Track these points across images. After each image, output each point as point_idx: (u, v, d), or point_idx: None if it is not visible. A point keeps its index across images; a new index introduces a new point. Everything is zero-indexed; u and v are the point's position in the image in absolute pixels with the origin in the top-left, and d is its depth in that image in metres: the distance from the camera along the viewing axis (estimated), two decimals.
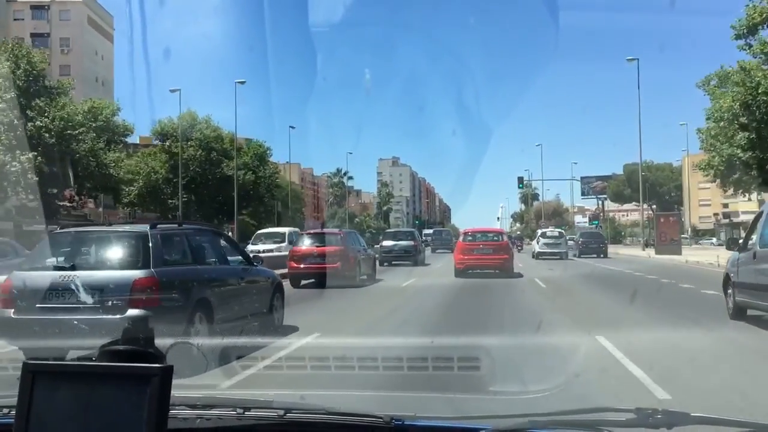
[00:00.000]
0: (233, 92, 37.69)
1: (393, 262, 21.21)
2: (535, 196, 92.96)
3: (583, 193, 77.57)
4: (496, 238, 17.37)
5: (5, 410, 1.46)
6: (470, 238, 17.17)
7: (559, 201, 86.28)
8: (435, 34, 77.98)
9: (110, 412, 1.00)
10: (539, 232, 32.79)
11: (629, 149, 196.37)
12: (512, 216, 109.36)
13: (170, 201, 38.16)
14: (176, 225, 7.40)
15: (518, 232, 76.94)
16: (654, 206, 73.72)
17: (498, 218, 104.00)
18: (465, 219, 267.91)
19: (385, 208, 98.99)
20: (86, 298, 5.37)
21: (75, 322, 5.23)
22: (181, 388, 1.39)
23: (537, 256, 27.89)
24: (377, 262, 17.16)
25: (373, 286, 13.52)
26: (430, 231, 35.16)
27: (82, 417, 1.00)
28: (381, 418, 1.47)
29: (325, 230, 18.00)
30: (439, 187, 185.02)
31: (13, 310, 5.61)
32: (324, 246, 13.90)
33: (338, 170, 79.98)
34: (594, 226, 65.31)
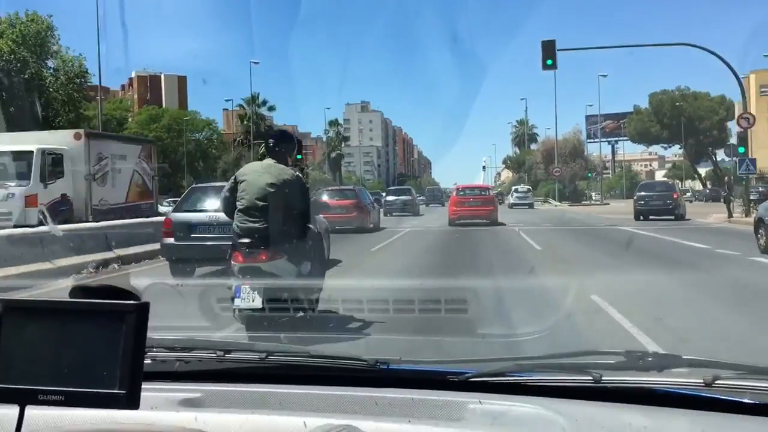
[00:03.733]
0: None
1: (394, 214, 29.15)
2: (533, 138, 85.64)
3: (588, 137, 69.22)
4: (483, 193, 23.56)
5: None
6: (462, 193, 23.09)
7: (579, 137, 66.15)
8: None
9: (83, 349, 1.05)
10: (513, 188, 51.68)
11: (654, 76, 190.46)
12: (504, 161, 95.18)
13: None
14: None
15: (499, 189, 64.05)
16: (686, 148, 64.62)
17: (484, 167, 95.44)
18: (446, 173, 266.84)
19: (334, 154, 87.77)
20: (225, 231, 8.03)
21: (219, 246, 7.89)
22: (159, 330, 1.48)
23: (511, 206, 42.01)
24: (381, 213, 24.65)
25: (380, 232, 18.95)
26: (393, 189, 38.16)
27: (53, 354, 1.05)
28: (365, 361, 1.58)
29: (343, 187, 27.91)
30: (418, 139, 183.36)
31: (173, 239, 9.66)
32: (342, 200, 19.68)
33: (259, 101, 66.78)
34: (589, 178, 61.56)
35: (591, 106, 73.05)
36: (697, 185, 76.87)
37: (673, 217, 22.62)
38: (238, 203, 5.05)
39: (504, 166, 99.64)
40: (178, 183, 50.64)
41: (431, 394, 1.44)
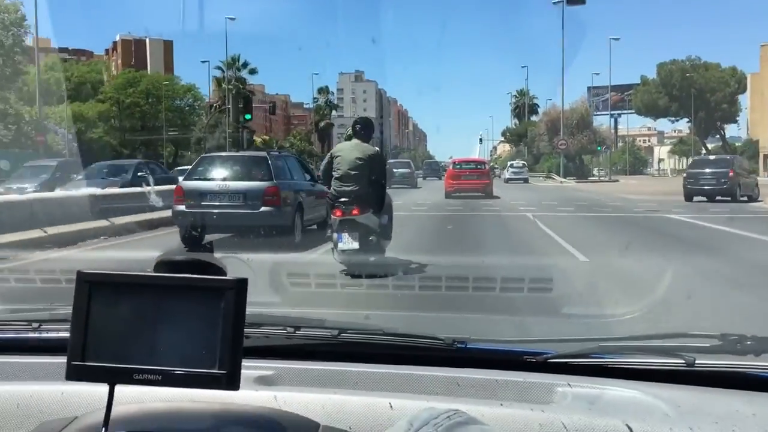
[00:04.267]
0: None
1: (393, 186, 32.78)
2: (534, 109, 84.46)
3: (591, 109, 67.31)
4: (479, 167, 25.48)
5: (58, 324, 1.57)
6: (458, 166, 24.96)
7: (587, 106, 63.39)
8: None
9: (179, 327, 1.05)
10: (509, 163, 56.30)
11: (664, 46, 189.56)
12: (503, 133, 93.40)
13: None
14: (278, 151, 14.62)
15: (492, 164, 59.10)
16: (695, 122, 63.01)
17: (480, 140, 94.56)
18: (442, 146, 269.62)
19: (323, 123, 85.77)
20: (235, 199, 10.28)
21: (229, 214, 10.24)
22: None
23: (506, 180, 44.74)
24: None
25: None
26: (393, 162, 38.94)
27: (147, 332, 1.05)
28: (442, 339, 1.58)
29: None
30: (413, 111, 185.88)
31: (184, 206, 10.50)
32: None
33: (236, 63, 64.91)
34: (599, 150, 59.50)
35: (598, 74, 72.56)
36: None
37: (729, 198, 20.25)
38: (334, 173, 7.28)
39: (502, 138, 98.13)
40: (158, 152, 50.29)
41: (513, 375, 1.45)
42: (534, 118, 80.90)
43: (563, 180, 49.05)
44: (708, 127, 67.17)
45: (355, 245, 6.83)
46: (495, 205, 19.24)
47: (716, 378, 1.44)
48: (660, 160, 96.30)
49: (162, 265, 1.12)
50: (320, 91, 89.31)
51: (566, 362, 1.51)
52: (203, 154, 15.11)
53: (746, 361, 1.47)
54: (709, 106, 62.68)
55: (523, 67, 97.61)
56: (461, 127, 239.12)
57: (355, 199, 7.05)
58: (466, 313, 4.38)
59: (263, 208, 10.20)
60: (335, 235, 7.03)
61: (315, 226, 11.71)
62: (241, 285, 1.05)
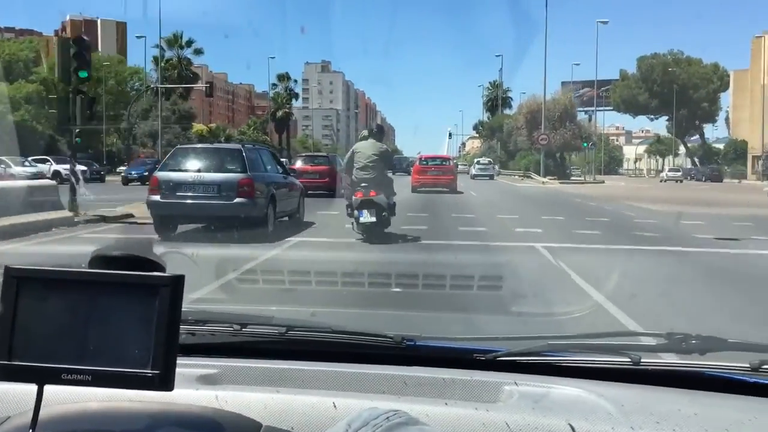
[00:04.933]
0: None
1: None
2: (507, 102, 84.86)
3: None
4: (444, 163, 28.31)
5: None
6: (424, 162, 27.92)
7: (571, 97, 59.96)
8: None
9: (112, 325, 1.05)
10: (475, 160, 60.45)
11: (643, 39, 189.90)
12: (475, 127, 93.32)
13: None
14: (252, 144, 15.57)
15: (457, 161, 60.52)
16: (676, 119, 61.91)
17: (450, 134, 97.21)
18: (410, 141, 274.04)
19: (280, 113, 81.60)
20: (209, 191, 11.19)
21: (204, 203, 11.16)
22: None
23: (473, 177, 49.00)
24: None
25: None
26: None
27: (78, 330, 1.05)
28: (390, 337, 1.64)
29: (317, 153, 33.16)
30: (382, 104, 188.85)
31: (159, 196, 11.27)
32: (317, 166, 24.21)
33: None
34: None
35: (578, 65, 72.65)
36: (680, 162, 74.19)
37: None
38: (355, 164, 10.42)
39: (474, 133, 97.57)
40: (99, 139, 49.34)
41: (461, 373, 1.50)
42: (508, 110, 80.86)
43: (544, 180, 47.12)
44: (688, 126, 66.54)
45: (373, 219, 10.07)
46: (477, 223, 14.10)
47: (661, 377, 1.52)
48: (636, 160, 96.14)
49: (97, 260, 1.14)
50: (280, 78, 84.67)
51: (515, 360, 1.59)
52: (178, 146, 16.57)
53: (691, 360, 1.57)
54: (691, 104, 62.25)
55: (497, 56, 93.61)
56: (431, 121, 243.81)
57: (372, 184, 10.30)
58: (416, 311, 4.47)
59: (237, 199, 11.10)
60: (356, 212, 10.21)
61: (287, 218, 12.88)
62: (178, 282, 1.07)
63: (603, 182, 48.80)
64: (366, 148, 10.73)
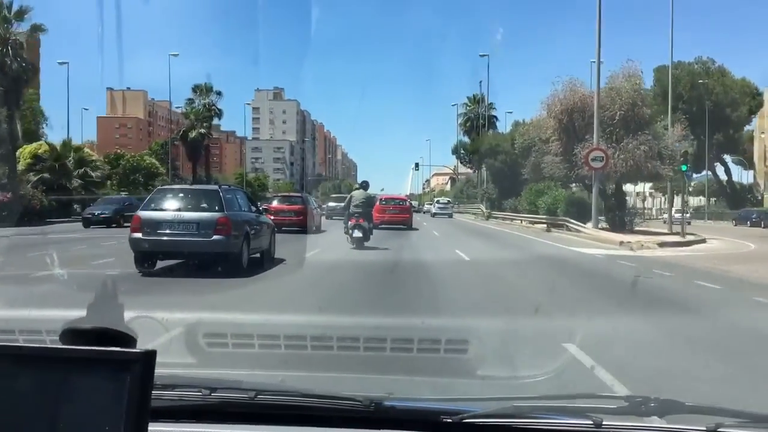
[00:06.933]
0: None
1: (334, 217, 39.58)
2: (492, 121, 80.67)
3: None
4: (401, 203, 38.74)
5: None
6: (384, 202, 36.20)
7: (640, 84, 37.83)
8: None
9: (85, 403, 1.14)
10: (435, 199, 72.80)
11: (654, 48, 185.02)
12: (455, 151, 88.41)
13: None
14: (228, 185, 20.30)
15: (416, 202, 75.53)
16: (706, 145, 54.78)
17: (416, 165, 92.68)
18: (373, 176, 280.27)
19: (194, 134, 75.12)
20: (188, 228, 14.21)
21: (183, 240, 14.14)
22: None
23: (433, 215, 60.28)
24: (322, 218, 36.88)
25: (322, 234, 30.40)
26: (335, 196, 52.49)
27: (48, 409, 1.14)
28: (359, 400, 1.88)
29: (293, 194, 40.50)
30: (343, 139, 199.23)
31: (141, 233, 14.11)
32: (292, 205, 31.34)
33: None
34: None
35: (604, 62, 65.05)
36: (693, 201, 69.93)
37: None
38: (351, 203, 21.79)
39: (454, 159, 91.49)
40: None
41: None
42: (494, 130, 76.14)
43: (599, 233, 31.28)
44: (720, 152, 61.04)
45: (360, 235, 20.82)
46: None
47: None
48: (644, 198, 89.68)
49: (68, 333, 1.25)
50: (196, 90, 76.10)
51: (481, 422, 1.84)
52: (159, 186, 21.43)
53: (650, 423, 1.84)
54: (727, 125, 57.45)
55: (482, 56, 77.28)
56: (395, 153, 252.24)
57: (361, 216, 21.19)
58: (384, 374, 5.16)
59: (215, 237, 14.07)
60: (351, 231, 21.13)
61: (258, 255, 15.92)
62: (149, 358, 1.17)
63: (703, 240, 30.87)
64: (359, 194, 22.42)
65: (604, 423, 1.84)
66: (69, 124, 60.19)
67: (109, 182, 59.91)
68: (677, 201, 46.56)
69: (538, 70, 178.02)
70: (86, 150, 57.38)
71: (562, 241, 30.05)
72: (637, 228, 36.24)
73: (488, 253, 23.39)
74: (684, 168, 36.00)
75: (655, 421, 1.91)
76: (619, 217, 36.41)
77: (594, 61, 35.22)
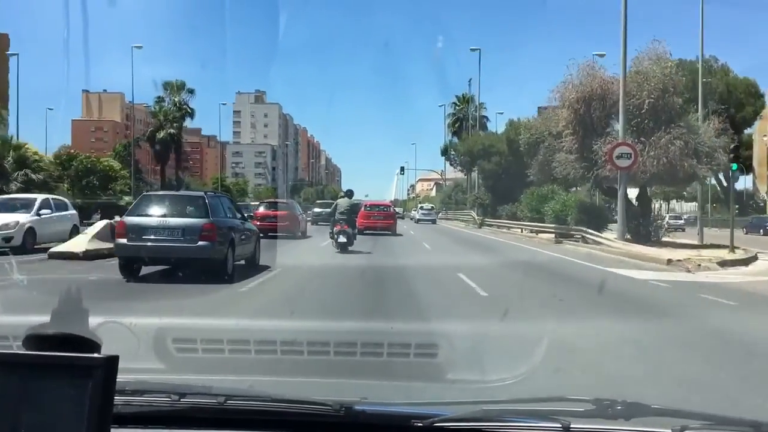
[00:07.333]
0: None
1: (320, 223, 42.68)
2: (483, 122, 79.00)
3: None
4: (385, 209, 40.55)
5: None
6: (368, 208, 38.53)
7: (673, 69, 30.84)
8: None
9: (46, 409, 1.18)
10: (419, 205, 79.77)
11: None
12: (444, 152, 79.96)
13: None
14: (213, 192, 21.05)
15: (400, 208, 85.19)
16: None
17: (402, 169, 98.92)
18: (357, 182, 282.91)
19: (162, 134, 73.02)
20: (174, 234, 14.62)
21: (168, 246, 14.51)
22: None
23: (417, 221, 63.09)
24: (308, 223, 37.72)
25: (308, 239, 31.86)
26: (321, 202, 56.04)
27: (11, 414, 1.17)
28: (329, 405, 1.94)
29: (280, 200, 40.93)
30: (327, 144, 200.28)
31: (126, 239, 14.54)
32: (278, 211, 32.98)
33: None
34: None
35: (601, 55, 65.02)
36: (683, 206, 72.22)
37: None
38: (337, 210, 23.70)
39: (444, 161, 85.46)
40: None
41: None
42: (485, 131, 73.02)
43: (630, 247, 25.86)
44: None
45: (345, 240, 22.81)
46: None
47: None
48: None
49: (31, 339, 1.28)
50: (167, 87, 73.88)
51: (452, 426, 1.90)
52: (144, 193, 21.51)
53: (617, 426, 1.91)
54: (733, 126, 49.76)
55: (473, 50, 71.12)
56: (380, 158, 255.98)
57: (345, 222, 23.17)
58: (355, 379, 5.33)
59: (200, 243, 14.49)
60: (336, 236, 23.13)
61: (243, 262, 16.52)
62: (111, 363, 1.21)
63: (755, 257, 24.91)
64: (343, 202, 24.35)
65: (572, 426, 1.94)
66: (18, 122, 57.76)
67: (60, 185, 55.70)
68: (675, 206, 39.97)
69: (530, 71, 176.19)
70: (27, 148, 53.95)
71: (586, 257, 24.15)
72: (663, 239, 32.50)
73: (505, 278, 17.56)
74: (734, 167, 30.49)
75: (622, 423, 2.00)
76: (644, 226, 31.15)
77: (596, 54, 32.80)
